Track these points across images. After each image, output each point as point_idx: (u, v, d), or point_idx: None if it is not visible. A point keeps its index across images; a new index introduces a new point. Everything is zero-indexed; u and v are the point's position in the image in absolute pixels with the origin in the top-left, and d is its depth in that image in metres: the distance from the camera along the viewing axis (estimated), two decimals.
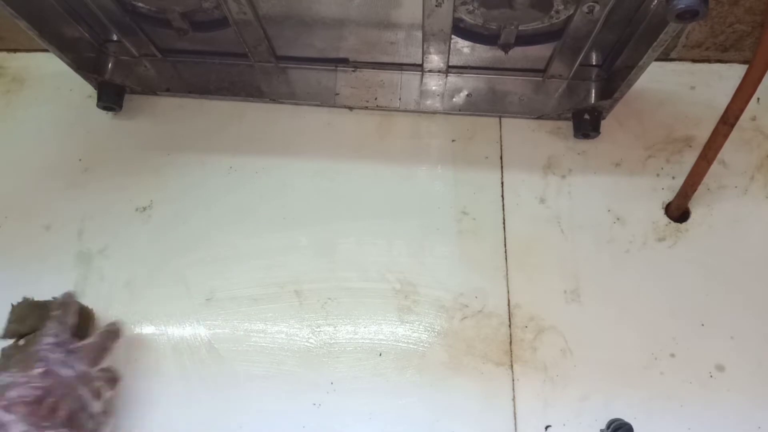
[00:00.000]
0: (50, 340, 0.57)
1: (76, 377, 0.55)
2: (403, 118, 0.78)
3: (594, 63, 0.72)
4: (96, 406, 0.56)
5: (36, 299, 0.63)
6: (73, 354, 0.57)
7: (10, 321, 0.61)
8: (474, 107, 0.76)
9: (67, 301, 0.63)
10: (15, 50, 0.84)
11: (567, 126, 0.76)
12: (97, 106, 0.77)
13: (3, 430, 0.49)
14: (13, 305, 0.62)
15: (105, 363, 0.60)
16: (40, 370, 0.54)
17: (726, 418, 0.64)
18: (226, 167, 0.76)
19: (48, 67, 0.82)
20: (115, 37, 0.74)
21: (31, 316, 0.61)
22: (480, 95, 0.76)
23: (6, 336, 0.61)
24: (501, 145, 0.76)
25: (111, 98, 0.77)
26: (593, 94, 0.73)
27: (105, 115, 0.80)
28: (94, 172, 0.77)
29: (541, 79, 0.74)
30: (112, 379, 0.60)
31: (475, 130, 0.77)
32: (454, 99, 0.77)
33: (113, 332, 0.64)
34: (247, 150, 0.77)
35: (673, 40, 0.59)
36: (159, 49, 0.75)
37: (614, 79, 0.69)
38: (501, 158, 0.75)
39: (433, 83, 0.76)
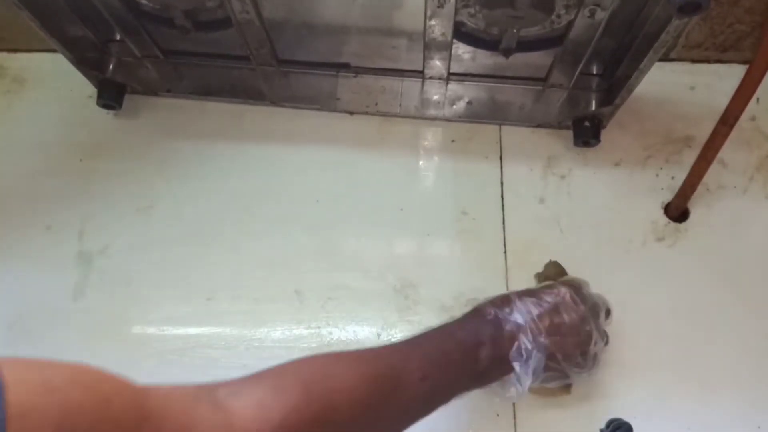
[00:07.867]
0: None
1: (581, 317, 0.58)
2: (404, 120, 0.78)
3: (595, 72, 0.72)
4: (595, 348, 0.59)
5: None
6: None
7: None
8: (474, 115, 0.77)
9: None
10: (15, 50, 0.84)
11: (566, 128, 0.76)
12: (97, 104, 0.77)
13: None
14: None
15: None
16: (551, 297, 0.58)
17: (726, 418, 0.64)
18: (227, 168, 0.77)
19: (49, 68, 0.82)
20: (117, 37, 0.74)
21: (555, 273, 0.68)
22: (480, 103, 0.76)
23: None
24: (500, 146, 0.76)
25: (112, 96, 0.77)
26: (594, 104, 0.73)
27: (106, 116, 0.80)
28: (94, 172, 0.77)
29: (541, 88, 0.74)
30: (606, 335, 0.62)
31: (475, 130, 0.77)
32: (454, 106, 0.77)
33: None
34: (247, 151, 0.77)
35: (673, 40, 0.59)
36: (161, 50, 0.75)
37: (615, 88, 0.69)
38: (500, 158, 0.76)
39: (434, 90, 0.76)
